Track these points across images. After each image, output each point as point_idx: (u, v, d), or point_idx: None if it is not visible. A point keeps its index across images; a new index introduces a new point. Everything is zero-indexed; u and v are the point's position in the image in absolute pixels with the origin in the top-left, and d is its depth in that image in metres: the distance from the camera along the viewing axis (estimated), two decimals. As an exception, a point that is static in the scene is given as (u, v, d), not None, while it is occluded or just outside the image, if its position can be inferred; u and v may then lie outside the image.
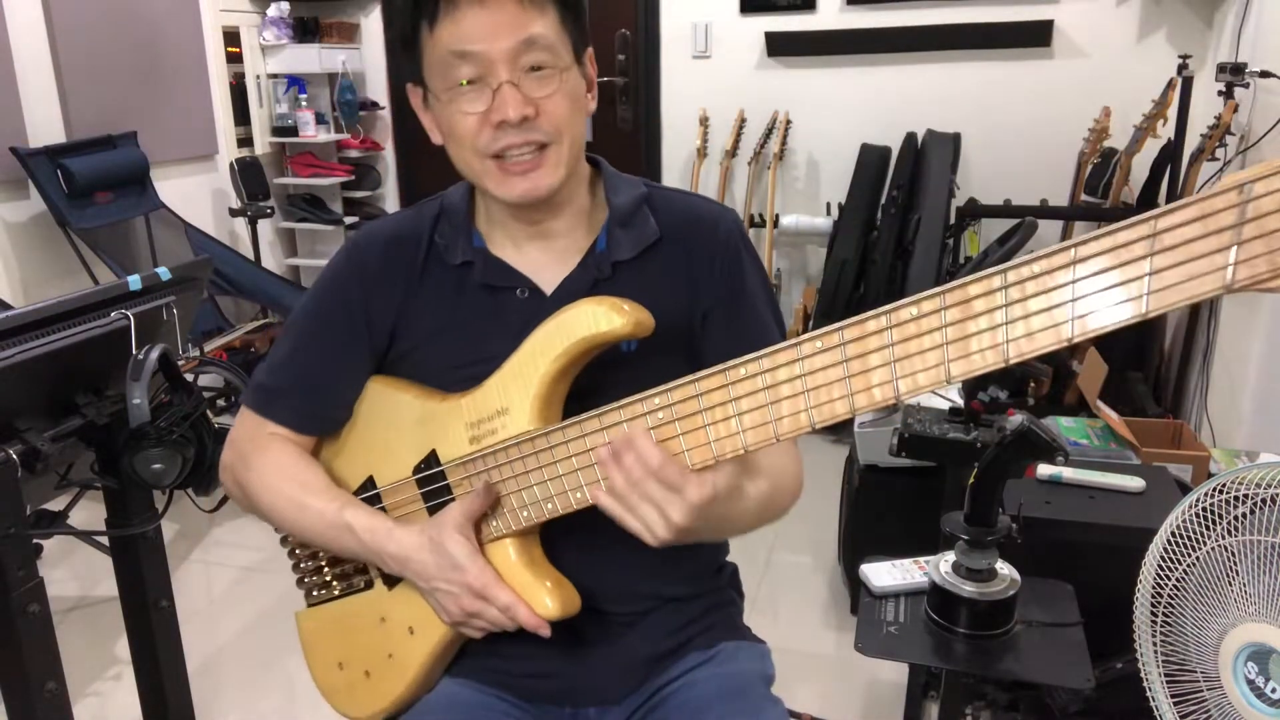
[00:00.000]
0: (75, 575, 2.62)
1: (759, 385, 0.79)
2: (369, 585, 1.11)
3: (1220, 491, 1.08)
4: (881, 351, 0.72)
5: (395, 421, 1.05)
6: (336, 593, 1.15)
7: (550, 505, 0.93)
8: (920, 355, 0.71)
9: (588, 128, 1.05)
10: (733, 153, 3.79)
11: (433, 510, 1.01)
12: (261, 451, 1.06)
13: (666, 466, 0.81)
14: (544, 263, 1.03)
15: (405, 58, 0.98)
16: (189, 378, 1.28)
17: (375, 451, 1.07)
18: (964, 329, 0.68)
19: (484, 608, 0.94)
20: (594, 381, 0.93)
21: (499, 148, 0.94)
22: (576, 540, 0.99)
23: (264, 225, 4.15)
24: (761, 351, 0.79)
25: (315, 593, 1.17)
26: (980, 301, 0.67)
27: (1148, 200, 3.11)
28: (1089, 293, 0.63)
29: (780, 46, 3.73)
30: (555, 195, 0.98)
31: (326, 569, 1.15)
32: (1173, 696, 1.14)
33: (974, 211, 3.26)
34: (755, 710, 1.00)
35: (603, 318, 0.89)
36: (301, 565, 1.19)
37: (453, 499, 1.00)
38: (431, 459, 1.02)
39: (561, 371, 0.93)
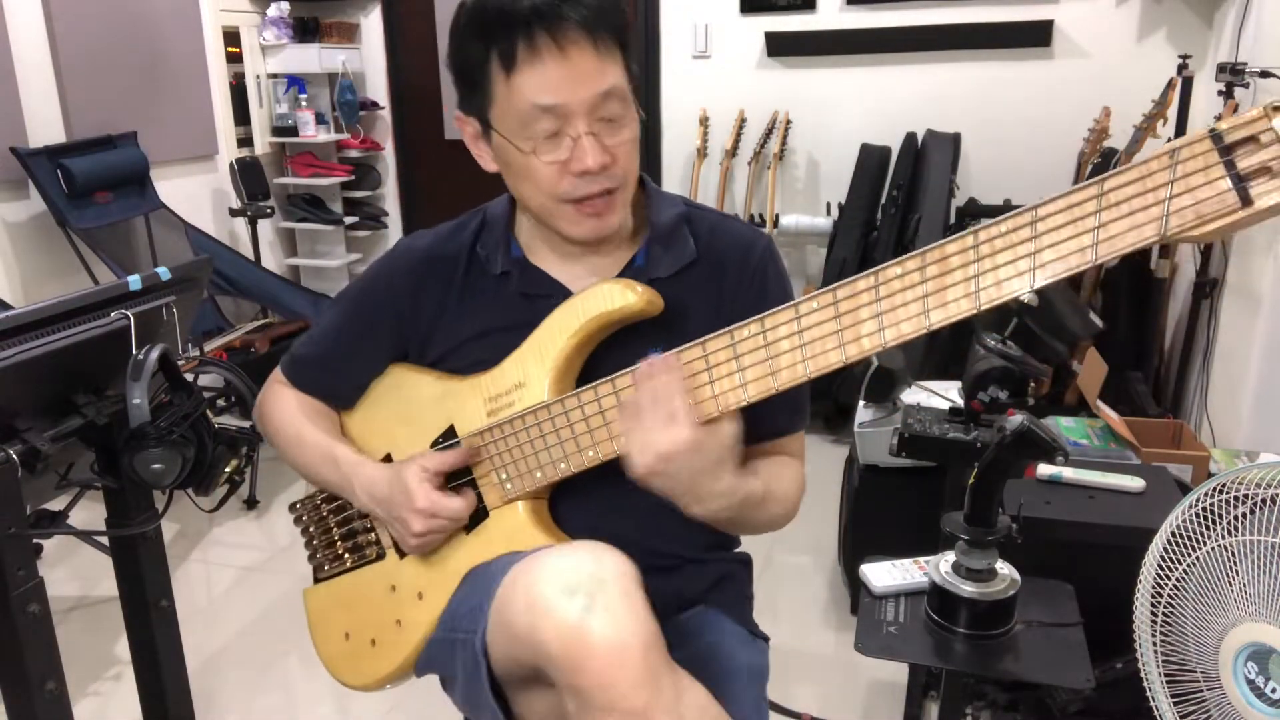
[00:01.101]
0: (75, 575, 2.62)
1: (760, 343, 0.88)
2: (380, 556, 1.16)
3: (1220, 491, 1.08)
4: (871, 306, 0.83)
5: (415, 402, 1.12)
6: (348, 564, 1.20)
7: (563, 465, 1.01)
8: (904, 306, 0.82)
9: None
10: (733, 153, 3.79)
11: (448, 481, 1.08)
12: (282, 399, 1.21)
13: (673, 398, 0.88)
14: (583, 274, 1.08)
15: (464, 90, 1.00)
16: (189, 378, 1.28)
17: (395, 431, 1.14)
18: (942, 282, 0.79)
19: (435, 523, 1.04)
20: None
21: (580, 195, 0.98)
22: (595, 498, 1.06)
23: (264, 225, 4.15)
24: (763, 314, 0.88)
25: (327, 566, 1.23)
26: (956, 258, 0.78)
27: (1148, 200, 3.11)
28: (1047, 245, 0.75)
29: (780, 46, 3.73)
30: None
31: (339, 542, 1.21)
32: (1173, 696, 1.14)
33: (974, 211, 3.26)
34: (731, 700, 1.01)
35: (617, 296, 0.98)
36: (314, 541, 1.24)
37: (468, 468, 1.07)
38: (449, 433, 1.09)
39: (577, 347, 1.01)
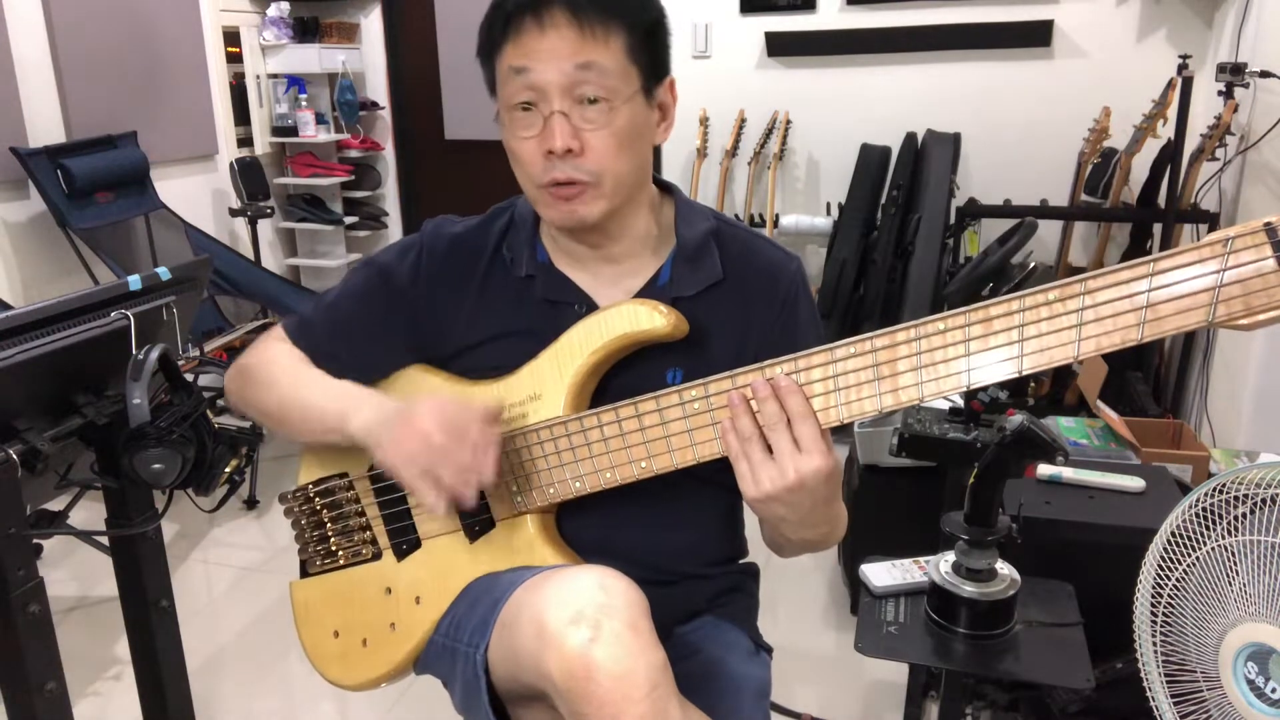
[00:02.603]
0: (75, 575, 2.62)
1: None
2: (377, 556, 1.14)
3: (1220, 491, 1.08)
4: (910, 359, 0.82)
5: None
6: (341, 563, 1.18)
7: (579, 484, 1.00)
8: (945, 363, 0.81)
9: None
10: (733, 153, 3.79)
11: None
12: (280, 349, 1.13)
13: (807, 422, 0.83)
14: (605, 282, 1.06)
15: (485, 71, 1.01)
16: (189, 378, 1.28)
17: None
18: (985, 343, 0.79)
19: (456, 446, 0.91)
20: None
21: (548, 180, 0.96)
22: (601, 510, 1.04)
23: (264, 225, 4.15)
24: (796, 354, 0.86)
25: (319, 562, 1.20)
26: (1000, 321, 0.79)
27: (1147, 200, 3.11)
28: (1094, 319, 0.75)
29: (780, 46, 3.73)
30: (606, 223, 1.01)
31: (333, 538, 1.18)
32: (1173, 696, 1.14)
33: (974, 211, 3.26)
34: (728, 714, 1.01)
35: (644, 317, 0.97)
36: (306, 535, 1.21)
37: None
38: None
39: (597, 364, 1.00)
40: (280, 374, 1.11)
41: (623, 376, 1.02)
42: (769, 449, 0.85)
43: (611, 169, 0.96)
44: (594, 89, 0.93)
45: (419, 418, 0.93)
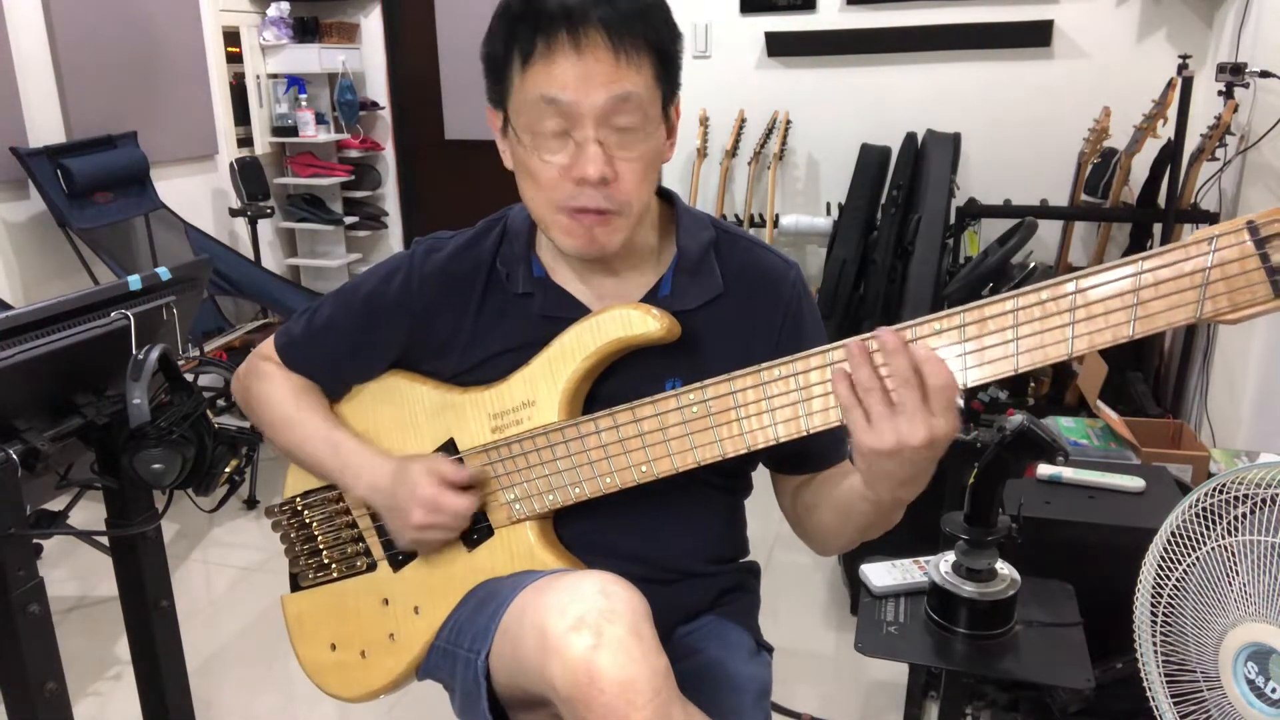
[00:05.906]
0: (75, 575, 2.62)
1: (791, 386, 0.87)
2: (371, 567, 1.13)
3: (1220, 491, 1.08)
4: None
5: (412, 411, 1.10)
6: (335, 575, 1.17)
7: (577, 490, 0.99)
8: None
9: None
10: (733, 153, 3.79)
11: None
12: (271, 376, 1.17)
13: (945, 390, 0.79)
14: (606, 295, 1.05)
15: (490, 80, 0.98)
16: (189, 378, 1.28)
17: (391, 438, 1.11)
18: (981, 343, 0.80)
19: (435, 518, 1.01)
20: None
21: (575, 206, 0.94)
22: (600, 511, 1.03)
23: (264, 225, 4.15)
24: (794, 356, 0.86)
25: (312, 575, 1.19)
26: (994, 321, 0.79)
27: (1147, 200, 3.11)
28: (1086, 318, 0.77)
29: (780, 46, 3.73)
30: None
31: (325, 551, 1.17)
32: (1173, 696, 1.14)
33: (974, 211, 3.26)
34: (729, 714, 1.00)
35: (636, 321, 0.96)
36: (296, 548, 1.20)
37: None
38: (449, 447, 1.07)
39: (591, 369, 1.00)
40: (274, 414, 1.15)
41: (623, 385, 1.02)
42: (889, 402, 0.79)
43: (637, 197, 0.96)
44: (629, 119, 0.92)
45: (412, 514, 1.01)
